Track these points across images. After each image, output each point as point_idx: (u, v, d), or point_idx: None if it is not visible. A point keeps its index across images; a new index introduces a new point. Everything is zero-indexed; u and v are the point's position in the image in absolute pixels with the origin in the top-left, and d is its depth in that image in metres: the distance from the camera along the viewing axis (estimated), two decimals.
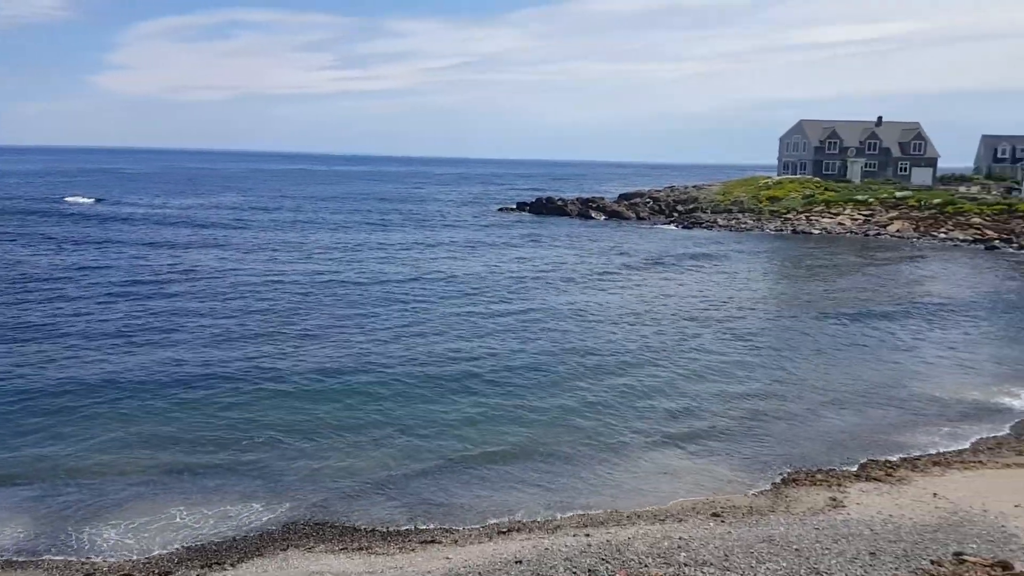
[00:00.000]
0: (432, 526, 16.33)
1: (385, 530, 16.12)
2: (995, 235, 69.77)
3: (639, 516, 16.34)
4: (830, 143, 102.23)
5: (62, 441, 19.96)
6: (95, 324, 31.78)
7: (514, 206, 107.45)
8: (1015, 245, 66.84)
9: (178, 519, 16.28)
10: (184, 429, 20.97)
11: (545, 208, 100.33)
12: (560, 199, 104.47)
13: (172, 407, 22.51)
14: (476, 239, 68.88)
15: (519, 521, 16.44)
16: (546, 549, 14.19)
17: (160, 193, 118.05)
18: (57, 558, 14.72)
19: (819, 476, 18.50)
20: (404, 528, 16.25)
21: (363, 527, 16.24)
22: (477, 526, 16.26)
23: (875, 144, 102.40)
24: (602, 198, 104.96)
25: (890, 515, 15.37)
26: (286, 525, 16.19)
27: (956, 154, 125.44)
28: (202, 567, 14.25)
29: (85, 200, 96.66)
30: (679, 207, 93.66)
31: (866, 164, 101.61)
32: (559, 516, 16.68)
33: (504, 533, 15.76)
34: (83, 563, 14.55)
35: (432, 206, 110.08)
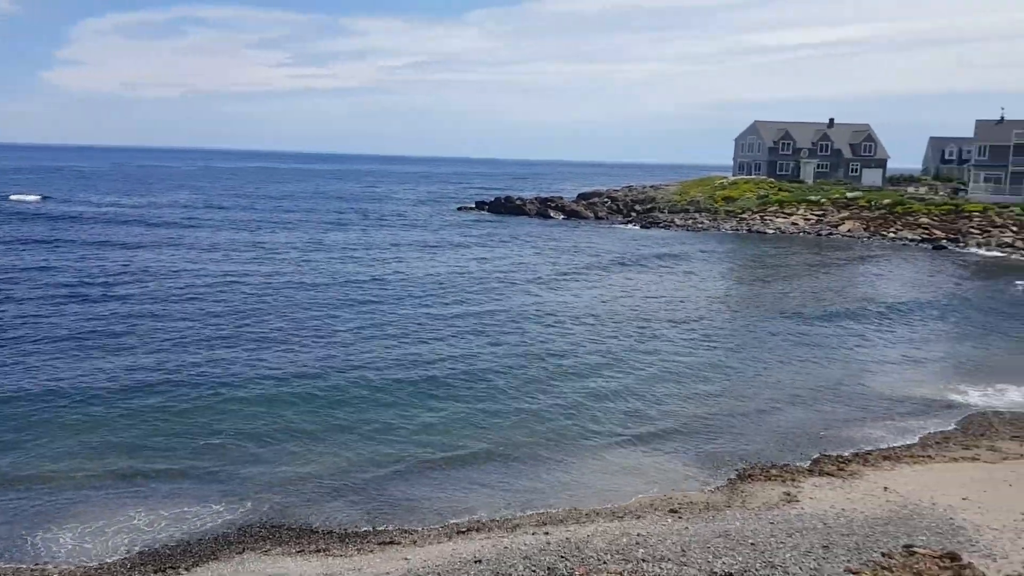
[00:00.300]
0: (391, 527, 16.23)
1: (343, 531, 15.98)
2: (943, 235, 71.61)
3: (598, 514, 16.43)
4: (783, 144, 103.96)
5: (13, 449, 19.36)
6: (43, 328, 30.90)
7: (473, 205, 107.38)
8: (962, 244, 68.68)
9: (133, 523, 15.97)
10: (139, 434, 20.53)
11: (504, 207, 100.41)
12: (519, 198, 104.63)
13: (126, 412, 22.00)
14: (435, 239, 68.67)
15: (478, 521, 16.43)
16: (505, 548, 14.19)
17: (111, 191, 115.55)
18: (8, 565, 14.32)
19: (774, 471, 18.79)
20: (362, 529, 16.13)
21: (320, 529, 16.08)
22: (436, 526, 16.21)
23: (827, 145, 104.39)
24: (561, 198, 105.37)
25: (842, 509, 15.67)
26: (242, 528, 15.96)
27: (905, 155, 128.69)
28: (156, 571, 13.99)
29: (30, 198, 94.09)
30: (637, 207, 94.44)
31: (818, 165, 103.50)
32: (519, 515, 16.70)
33: (463, 533, 15.73)
34: (34, 569, 14.18)
35: (391, 205, 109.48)
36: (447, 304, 38.83)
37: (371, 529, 16.17)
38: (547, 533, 15.02)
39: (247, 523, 16.18)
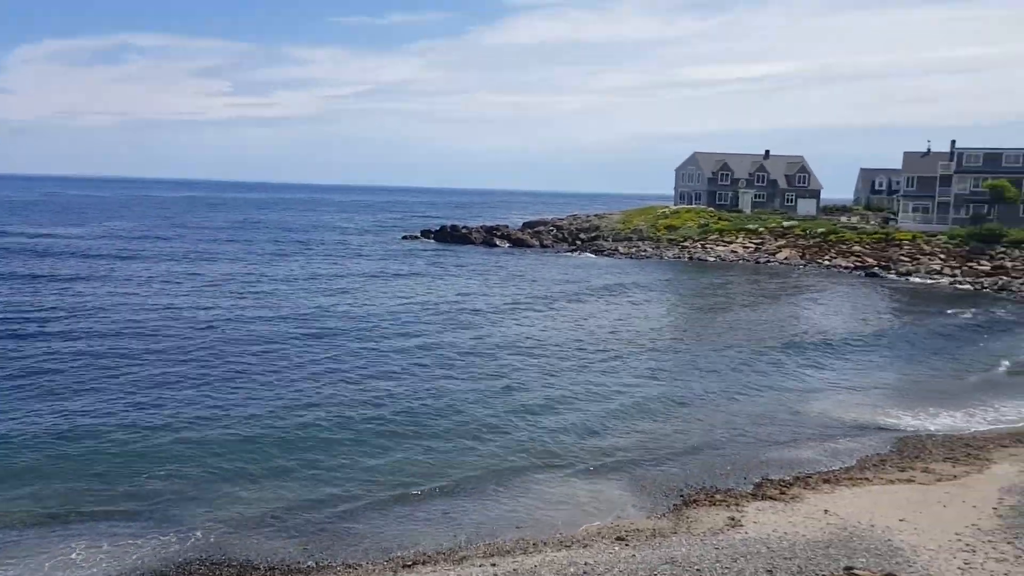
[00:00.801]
0: (334, 562, 15.89)
1: (285, 568, 15.59)
2: (875, 262, 73.96)
3: (545, 543, 16.35)
4: (722, 175, 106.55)
5: None
6: None
7: (418, 234, 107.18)
8: (893, 272, 71.01)
9: (71, 559, 15.44)
10: (76, 475, 19.71)
11: (450, 236, 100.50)
12: (465, 227, 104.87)
13: (61, 454, 21.08)
14: (381, 269, 68.17)
15: (424, 553, 16.19)
16: None
17: (43, 222, 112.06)
18: None
19: (718, 496, 18.99)
20: (305, 565, 15.75)
21: (262, 565, 15.66)
22: (381, 561, 15.92)
23: (763, 176, 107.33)
24: (506, 226, 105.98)
25: (785, 532, 15.89)
26: (181, 565, 15.46)
27: (837, 186, 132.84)
28: None
29: None
30: (582, 235, 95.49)
31: (756, 195, 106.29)
32: (465, 546, 16.51)
33: (409, 566, 15.48)
34: None
35: (335, 234, 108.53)
36: (393, 338, 38.45)
37: (314, 564, 15.80)
38: (494, 564, 14.87)
39: (186, 560, 15.69)
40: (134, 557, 15.76)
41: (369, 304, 47.64)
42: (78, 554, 15.70)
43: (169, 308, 42.99)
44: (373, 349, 34.93)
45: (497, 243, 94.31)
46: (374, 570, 15.44)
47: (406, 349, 35.06)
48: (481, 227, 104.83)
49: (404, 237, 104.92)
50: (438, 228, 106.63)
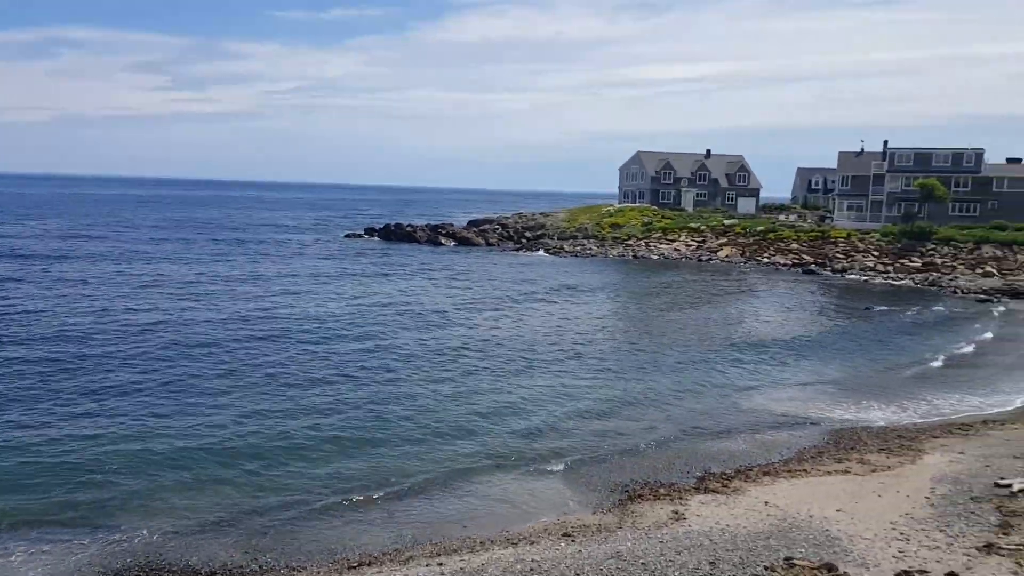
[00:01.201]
0: (277, 565, 15.64)
1: (226, 571, 15.28)
2: (811, 259, 75.86)
3: (492, 541, 16.35)
4: (665, 173, 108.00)
5: None
6: None
7: (362, 232, 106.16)
8: (829, 269, 72.91)
9: (10, 565, 14.97)
10: (9, 486, 18.96)
11: (394, 234, 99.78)
12: (409, 225, 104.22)
13: None
14: (324, 269, 67.32)
15: (370, 554, 16.04)
16: None
17: None
18: None
19: (662, 491, 19.23)
20: (248, 568, 15.46)
21: (202, 570, 15.33)
22: (326, 562, 15.72)
23: (705, 175, 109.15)
24: (452, 224, 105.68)
25: (727, 525, 16.18)
26: (120, 572, 15.06)
27: (776, 185, 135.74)
28: None
29: None
30: (527, 233, 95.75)
31: (698, 194, 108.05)
32: (412, 547, 16.41)
33: (354, 567, 15.33)
34: None
35: (276, 233, 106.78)
36: (336, 340, 38.02)
37: (257, 568, 15.53)
38: (441, 564, 14.82)
39: (126, 566, 15.30)
40: (74, 564, 15.32)
41: (312, 306, 46.96)
42: (17, 556, 15.35)
43: (105, 312, 41.59)
44: (315, 352, 34.39)
45: (443, 242, 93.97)
46: (319, 572, 15.24)
47: (349, 351, 34.65)
48: (426, 225, 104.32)
49: (347, 235, 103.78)
50: (382, 226, 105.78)
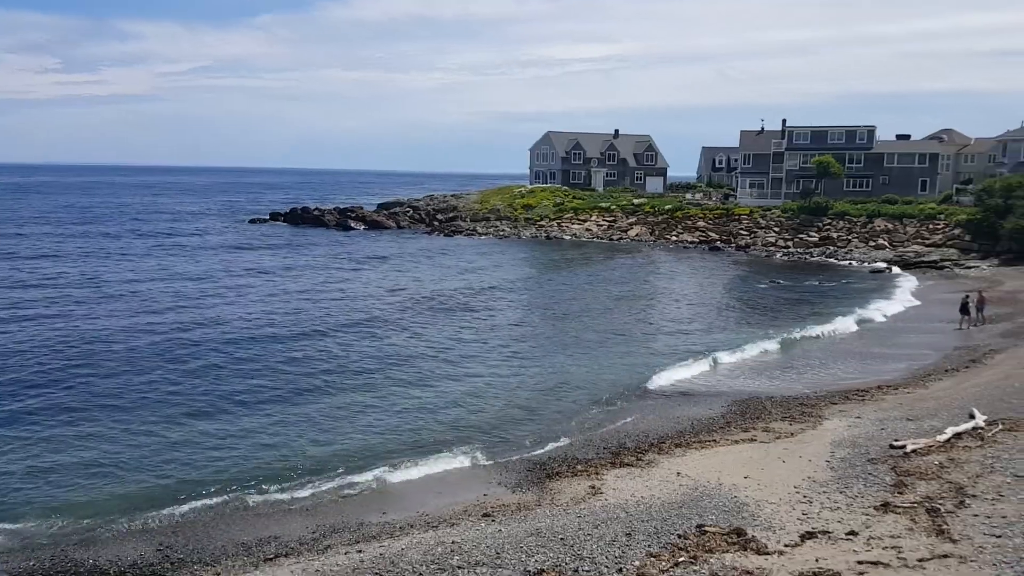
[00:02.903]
0: (189, 561, 15.21)
1: (137, 570, 14.78)
2: (717, 237, 78.15)
3: (412, 525, 16.32)
4: (575, 154, 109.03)
5: None
6: None
7: (267, 217, 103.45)
8: (733, 245, 75.25)
9: None
10: None
11: (302, 219, 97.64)
12: (317, 209, 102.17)
13: None
14: (227, 256, 65.39)
15: (287, 545, 15.77)
16: (316, 571, 13.72)
17: None
18: None
19: (579, 467, 19.56)
20: (160, 566, 14.99)
21: (111, 570, 14.79)
22: (241, 555, 15.38)
23: (614, 155, 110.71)
24: (361, 207, 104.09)
25: (642, 496, 16.59)
26: (20, 574, 14.38)
27: (682, 164, 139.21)
28: None
29: None
30: (439, 216, 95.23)
31: (607, 173, 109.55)
32: (330, 535, 16.22)
33: (270, 560, 15.05)
34: None
35: (175, 220, 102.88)
36: (243, 329, 37.08)
37: (168, 565, 15.07)
38: (360, 551, 14.69)
39: (27, 569, 14.64)
40: None
41: (221, 301, 45.58)
42: None
43: None
44: (226, 347, 33.41)
45: (352, 225, 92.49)
46: (234, 566, 14.91)
47: (262, 346, 33.77)
48: (334, 209, 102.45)
49: (252, 221, 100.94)
50: (288, 211, 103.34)
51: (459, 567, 13.17)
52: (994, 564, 11.65)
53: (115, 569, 14.90)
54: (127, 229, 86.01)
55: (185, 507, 17.59)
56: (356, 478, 19.31)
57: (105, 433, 21.90)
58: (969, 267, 59.46)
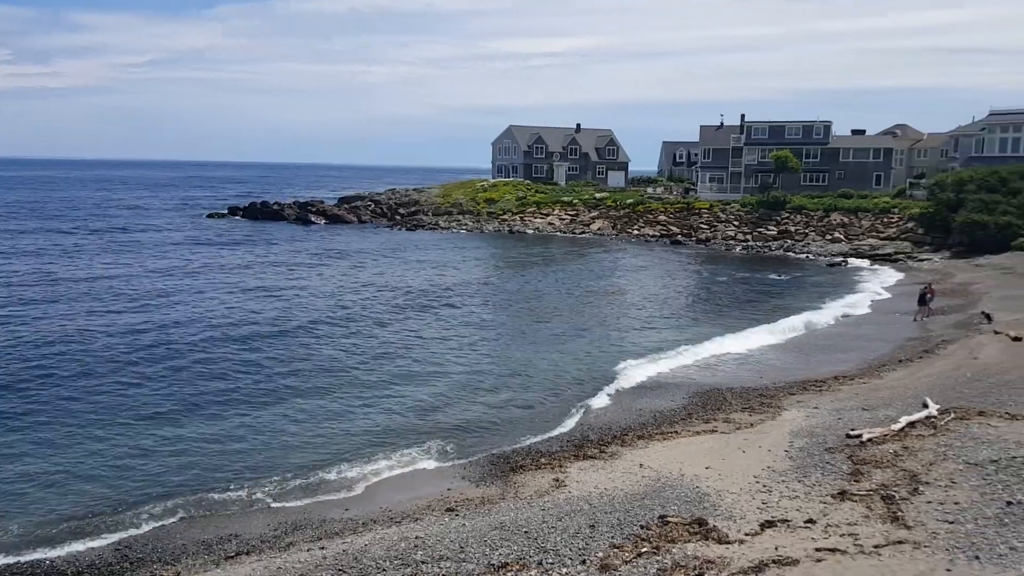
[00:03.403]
0: (148, 560, 14.97)
1: (96, 571, 14.52)
2: (678, 231, 78.86)
3: (375, 521, 16.24)
4: (537, 148, 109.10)
5: None
6: None
7: (225, 211, 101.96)
8: (694, 239, 76.01)
9: None
10: None
11: (261, 213, 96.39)
12: (276, 203, 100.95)
13: None
14: (185, 252, 64.34)
15: (248, 543, 15.60)
16: (279, 568, 13.59)
17: None
18: None
19: (543, 460, 19.62)
20: (119, 566, 14.74)
21: (68, 570, 14.52)
22: (201, 555, 15.18)
23: (576, 149, 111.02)
24: (321, 201, 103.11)
25: (605, 488, 16.70)
26: None
27: (643, 159, 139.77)
28: None
29: None
30: (401, 210, 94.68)
31: (570, 168, 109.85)
32: (292, 532, 16.08)
33: (232, 558, 14.87)
34: None
35: (133, 215, 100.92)
36: (204, 328, 36.53)
37: (127, 565, 14.82)
38: (323, 548, 14.59)
39: None
40: None
41: (171, 294, 44.84)
42: None
43: None
44: (176, 342, 32.91)
45: (312, 219, 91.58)
46: (194, 565, 14.71)
47: (214, 339, 33.36)
48: (294, 203, 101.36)
49: (210, 215, 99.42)
50: (247, 205, 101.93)
51: (423, 562, 13.14)
52: (947, 549, 11.94)
53: (72, 569, 14.64)
54: (80, 226, 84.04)
55: (144, 508, 17.29)
56: (318, 475, 19.16)
57: (59, 437, 21.41)
58: (922, 260, 60.83)
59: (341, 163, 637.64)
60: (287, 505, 17.59)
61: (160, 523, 16.63)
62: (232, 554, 15.08)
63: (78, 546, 15.56)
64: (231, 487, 18.39)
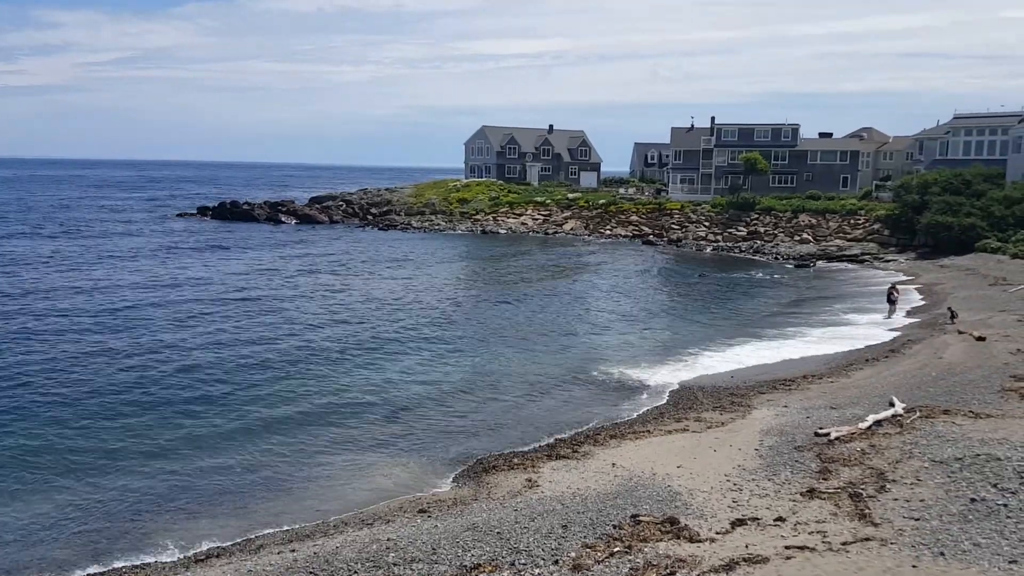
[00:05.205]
0: (120, 564, 14.77)
1: (61, 574, 14.29)
2: (650, 231, 79.31)
3: (346, 523, 16.14)
4: (510, 148, 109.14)
5: None
6: None
7: (195, 211, 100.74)
8: (665, 239, 76.50)
9: None
10: None
11: (231, 213, 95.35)
12: (247, 203, 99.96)
13: None
14: (153, 253, 63.46)
15: (219, 546, 15.44)
16: (249, 571, 13.46)
17: None
18: None
19: (516, 460, 19.63)
20: (88, 570, 14.52)
21: (35, 573, 14.26)
22: (172, 558, 14.99)
23: (548, 150, 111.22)
24: (292, 201, 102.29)
25: (578, 488, 16.75)
26: None
27: (615, 160, 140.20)
28: None
29: None
30: (373, 210, 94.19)
31: (542, 168, 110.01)
32: (262, 534, 15.94)
33: (202, 560, 14.71)
34: None
35: (99, 215, 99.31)
36: (175, 329, 36.12)
37: (97, 567, 14.61)
38: (293, 550, 14.47)
39: None
40: None
41: (133, 298, 44.25)
42: None
43: None
44: (160, 346, 32.54)
45: (283, 219, 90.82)
46: (164, 567, 14.53)
47: (195, 345, 32.97)
48: (265, 203, 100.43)
49: (179, 215, 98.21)
50: (216, 205, 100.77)
51: (395, 564, 13.08)
52: (913, 546, 12.14)
53: (37, 571, 14.39)
54: (44, 227, 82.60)
55: (112, 509, 17.07)
56: (290, 478, 19.02)
57: (30, 434, 21.03)
58: (888, 260, 61.72)
59: (312, 163, 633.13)
60: (256, 507, 17.43)
61: (130, 524, 16.41)
62: (203, 557, 14.93)
63: (46, 547, 15.31)
64: (200, 489, 18.18)
